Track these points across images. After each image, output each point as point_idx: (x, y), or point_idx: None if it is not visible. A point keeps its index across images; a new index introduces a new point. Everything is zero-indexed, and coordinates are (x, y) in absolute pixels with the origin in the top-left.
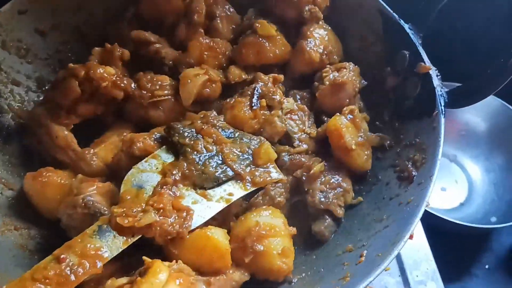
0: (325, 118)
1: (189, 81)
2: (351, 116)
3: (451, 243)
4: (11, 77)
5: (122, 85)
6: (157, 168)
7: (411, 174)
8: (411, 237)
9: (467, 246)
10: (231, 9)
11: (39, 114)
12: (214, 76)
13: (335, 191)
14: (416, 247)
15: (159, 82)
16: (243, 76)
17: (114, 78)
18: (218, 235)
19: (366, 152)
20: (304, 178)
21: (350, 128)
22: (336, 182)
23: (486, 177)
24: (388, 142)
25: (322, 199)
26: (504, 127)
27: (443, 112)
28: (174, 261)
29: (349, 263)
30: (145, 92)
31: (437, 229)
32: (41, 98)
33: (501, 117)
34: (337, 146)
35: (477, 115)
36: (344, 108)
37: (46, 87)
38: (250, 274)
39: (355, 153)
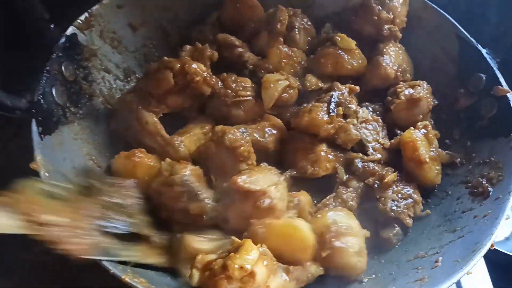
0: (398, 132)
1: (271, 85)
2: (425, 131)
3: (503, 276)
4: (104, 65)
5: (212, 82)
6: None
7: (487, 190)
8: (492, 246)
9: None
10: (309, 23)
11: (130, 100)
12: (293, 82)
13: (406, 201)
14: (476, 275)
15: (242, 84)
16: (319, 84)
17: (205, 75)
18: (306, 227)
19: (437, 167)
20: (376, 186)
21: (424, 142)
22: (407, 193)
23: None
24: (459, 159)
25: (394, 208)
26: None
27: None
28: (260, 244)
29: (423, 267)
30: (229, 91)
31: (490, 261)
32: (127, 87)
33: None
34: (411, 158)
35: None
36: (419, 123)
37: (131, 77)
38: (324, 269)
39: (427, 166)
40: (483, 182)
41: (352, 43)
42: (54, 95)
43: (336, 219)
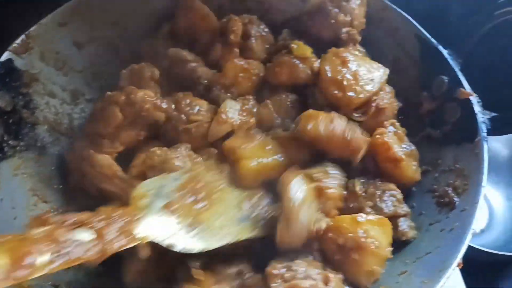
0: None
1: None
2: (393, 129)
3: (472, 270)
4: (47, 89)
5: (163, 107)
6: None
7: (453, 200)
8: (459, 265)
9: (487, 274)
10: (266, 30)
11: (81, 146)
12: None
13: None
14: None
15: (197, 107)
16: None
17: (155, 100)
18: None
19: (414, 163)
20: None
21: (395, 139)
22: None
23: (507, 204)
24: (425, 167)
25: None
26: None
27: (486, 139)
28: None
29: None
30: (182, 115)
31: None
32: (75, 111)
33: None
34: (386, 158)
35: (499, 141)
36: (385, 122)
37: (79, 99)
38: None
39: (404, 163)
40: (449, 192)
41: (308, 51)
42: None
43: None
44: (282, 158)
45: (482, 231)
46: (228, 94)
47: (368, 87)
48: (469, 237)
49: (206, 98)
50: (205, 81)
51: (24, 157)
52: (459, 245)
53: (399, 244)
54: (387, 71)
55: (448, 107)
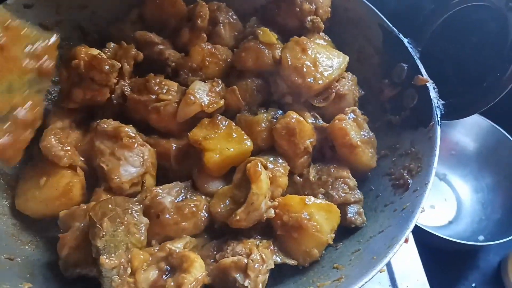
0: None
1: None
2: (353, 116)
3: (439, 259)
4: None
5: (106, 67)
6: None
7: (407, 182)
8: (406, 241)
9: (455, 263)
10: (234, 17)
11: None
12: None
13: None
14: (407, 259)
15: (167, 86)
16: None
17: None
18: None
19: (370, 150)
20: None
21: (354, 126)
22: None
23: (474, 196)
24: (383, 151)
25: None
26: (492, 147)
27: (439, 123)
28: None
29: (343, 266)
30: (152, 96)
31: (426, 245)
32: None
33: (490, 138)
34: (342, 143)
35: (467, 136)
36: (347, 109)
37: None
38: None
39: (360, 150)
40: (404, 174)
41: (273, 37)
42: None
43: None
44: (246, 147)
45: (450, 222)
46: (197, 78)
47: (327, 73)
48: (417, 215)
49: (175, 81)
50: (173, 64)
51: None
52: (408, 222)
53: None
54: (347, 58)
55: (407, 94)
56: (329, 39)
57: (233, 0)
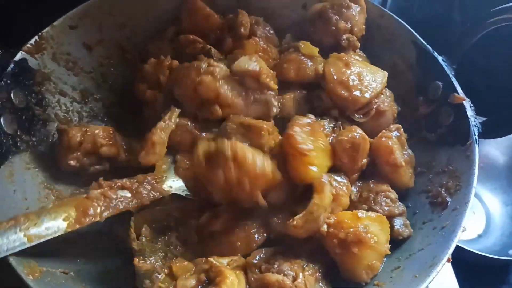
0: None
1: None
2: (397, 134)
3: (468, 274)
4: (59, 88)
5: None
6: None
7: (445, 200)
8: (448, 260)
9: (484, 278)
10: (271, 31)
11: None
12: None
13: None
14: (442, 275)
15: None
16: None
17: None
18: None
19: (410, 170)
20: None
21: (398, 145)
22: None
23: (504, 210)
24: (419, 168)
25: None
26: None
27: (477, 142)
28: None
29: (384, 283)
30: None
31: (456, 260)
32: (84, 109)
33: None
34: (386, 162)
35: (497, 148)
36: (391, 126)
37: (89, 99)
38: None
39: (402, 169)
40: (442, 192)
41: (315, 50)
42: (3, 125)
43: (368, 226)
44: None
45: (480, 236)
46: None
47: (372, 87)
48: (459, 234)
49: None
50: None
51: (36, 152)
52: (449, 242)
53: (394, 242)
54: (386, 74)
55: (443, 111)
56: (364, 55)
57: (269, 16)
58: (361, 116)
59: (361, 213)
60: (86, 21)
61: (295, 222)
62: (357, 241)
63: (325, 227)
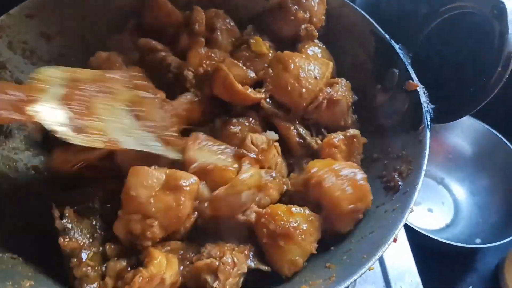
0: (323, 131)
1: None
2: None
3: (436, 263)
4: (15, 76)
5: None
6: None
7: (397, 183)
8: (395, 240)
9: (452, 266)
10: (232, 23)
11: None
12: None
13: None
14: (401, 260)
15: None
16: None
17: None
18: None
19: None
20: None
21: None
22: None
23: (471, 199)
24: (375, 155)
25: None
26: (489, 151)
27: (429, 127)
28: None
29: (335, 265)
30: None
31: (424, 248)
32: None
33: (486, 142)
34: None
35: (463, 139)
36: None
37: None
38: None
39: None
40: (395, 176)
41: (264, 47)
42: None
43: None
44: None
45: (448, 225)
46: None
47: (311, 86)
48: (406, 215)
49: (176, 85)
50: (175, 69)
51: None
52: (396, 223)
53: None
54: (331, 64)
55: (399, 98)
56: (324, 46)
57: (230, 8)
58: (313, 113)
59: (295, 208)
60: (43, 11)
61: (217, 192)
62: (285, 234)
63: (253, 216)
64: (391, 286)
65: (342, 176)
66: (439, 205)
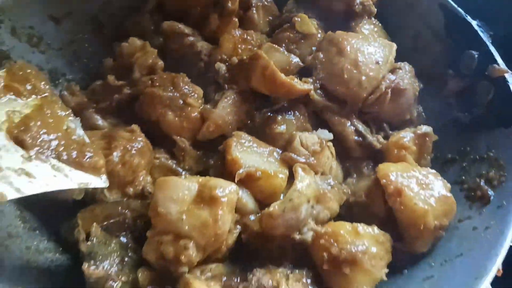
0: (385, 125)
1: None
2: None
3: None
4: None
5: None
6: None
7: (486, 193)
8: (499, 272)
9: None
10: None
11: None
12: None
13: None
14: None
15: (195, 94)
16: None
17: None
18: None
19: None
20: None
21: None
22: None
23: None
24: (450, 155)
25: None
26: None
27: None
28: None
29: None
30: (177, 94)
31: None
32: (54, 92)
33: None
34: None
35: None
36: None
37: (60, 80)
38: None
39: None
40: (481, 184)
41: (312, 27)
42: None
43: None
44: None
45: None
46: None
47: (373, 73)
48: (509, 237)
49: (206, 77)
50: (206, 57)
51: None
52: (497, 247)
53: None
54: (394, 46)
55: (479, 87)
56: (380, 25)
57: None
58: (374, 104)
59: (361, 228)
60: None
61: (271, 209)
62: (351, 260)
63: (310, 235)
64: None
65: (424, 184)
66: None
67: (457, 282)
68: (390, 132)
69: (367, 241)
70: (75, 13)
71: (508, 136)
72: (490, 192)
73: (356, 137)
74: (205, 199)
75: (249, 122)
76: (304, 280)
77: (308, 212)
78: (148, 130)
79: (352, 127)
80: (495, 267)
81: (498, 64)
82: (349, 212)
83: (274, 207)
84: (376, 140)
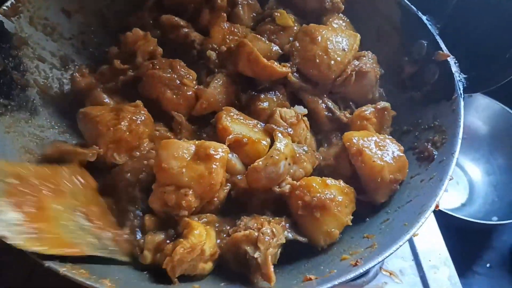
0: (352, 104)
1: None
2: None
3: (454, 240)
4: (37, 53)
5: None
6: None
7: (432, 153)
8: (437, 206)
9: (469, 244)
10: None
11: None
12: None
13: None
14: (429, 235)
15: (190, 76)
16: None
17: None
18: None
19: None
20: None
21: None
22: None
23: (486, 178)
24: (406, 127)
25: None
26: (504, 130)
27: (462, 96)
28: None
29: (373, 235)
30: (175, 75)
31: (439, 226)
32: (65, 76)
33: (501, 121)
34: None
35: (478, 119)
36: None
37: (69, 65)
38: None
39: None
40: (429, 146)
41: (290, 20)
42: None
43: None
44: None
45: (463, 204)
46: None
47: (340, 58)
48: (446, 182)
49: (199, 64)
50: (198, 46)
51: (16, 117)
52: (436, 190)
53: None
54: (358, 36)
55: (428, 69)
56: (348, 20)
57: None
58: (341, 85)
59: (330, 181)
60: None
61: (256, 164)
62: (321, 206)
63: (287, 187)
64: (419, 260)
65: (381, 146)
66: (454, 185)
67: (404, 219)
68: (356, 109)
69: (334, 191)
70: (84, 8)
71: (449, 107)
72: (435, 152)
73: (326, 113)
74: (201, 156)
75: (236, 102)
76: (282, 224)
77: (286, 168)
78: (149, 108)
79: (323, 105)
80: (434, 203)
81: (442, 50)
82: (321, 174)
83: (258, 163)
84: (343, 115)
